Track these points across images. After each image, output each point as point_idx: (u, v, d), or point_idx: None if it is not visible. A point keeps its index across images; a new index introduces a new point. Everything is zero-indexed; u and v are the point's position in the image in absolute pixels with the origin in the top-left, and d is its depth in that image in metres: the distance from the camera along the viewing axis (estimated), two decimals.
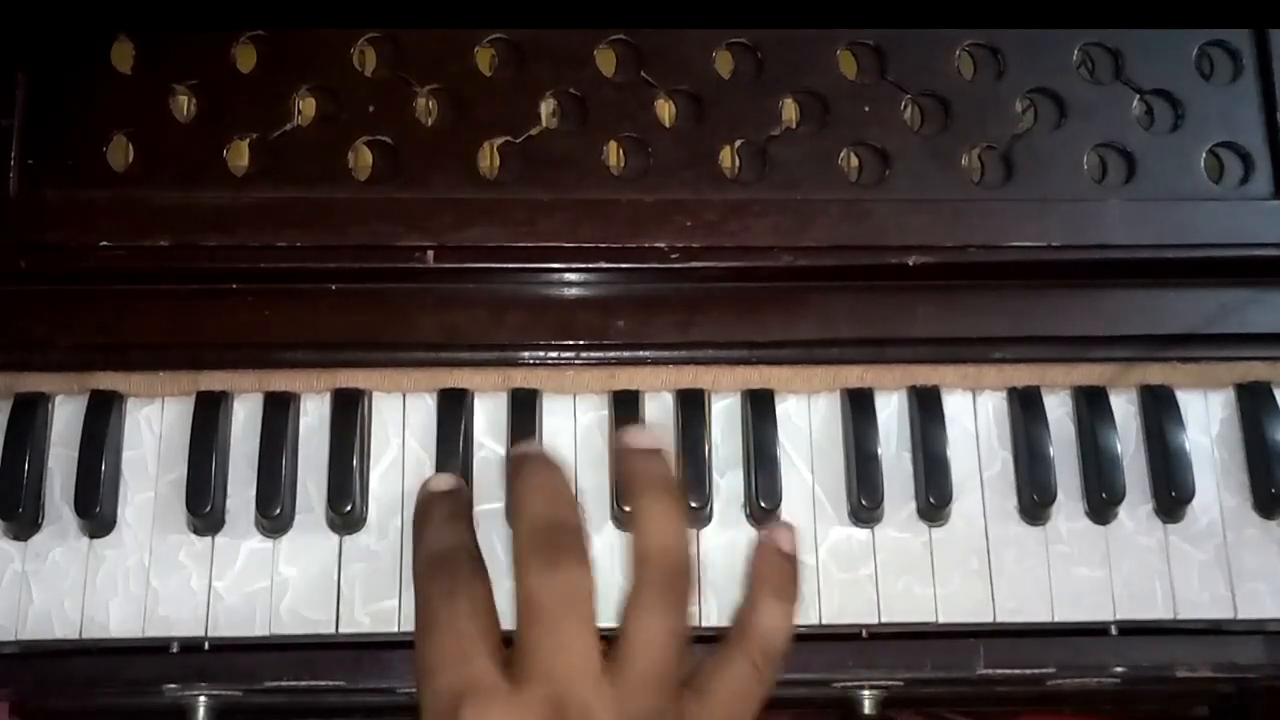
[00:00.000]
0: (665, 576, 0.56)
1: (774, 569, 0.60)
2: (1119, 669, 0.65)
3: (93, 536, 0.63)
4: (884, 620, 0.64)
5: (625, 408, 0.65)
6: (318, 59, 0.67)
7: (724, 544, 0.65)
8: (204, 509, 0.62)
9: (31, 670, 0.63)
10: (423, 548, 0.60)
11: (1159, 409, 0.66)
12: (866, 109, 0.68)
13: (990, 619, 0.64)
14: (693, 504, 0.63)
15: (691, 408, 0.65)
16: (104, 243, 0.64)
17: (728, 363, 0.66)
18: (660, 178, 0.67)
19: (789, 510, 0.65)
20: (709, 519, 0.65)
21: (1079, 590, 0.64)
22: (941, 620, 0.64)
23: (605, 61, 0.68)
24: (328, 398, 0.65)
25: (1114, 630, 0.64)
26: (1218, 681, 0.70)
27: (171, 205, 0.65)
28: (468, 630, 0.55)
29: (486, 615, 0.57)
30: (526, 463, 0.60)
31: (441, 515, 0.61)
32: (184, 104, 0.67)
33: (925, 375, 0.67)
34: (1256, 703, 0.74)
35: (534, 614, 0.54)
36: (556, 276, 0.66)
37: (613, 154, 0.68)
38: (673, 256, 0.65)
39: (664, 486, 0.59)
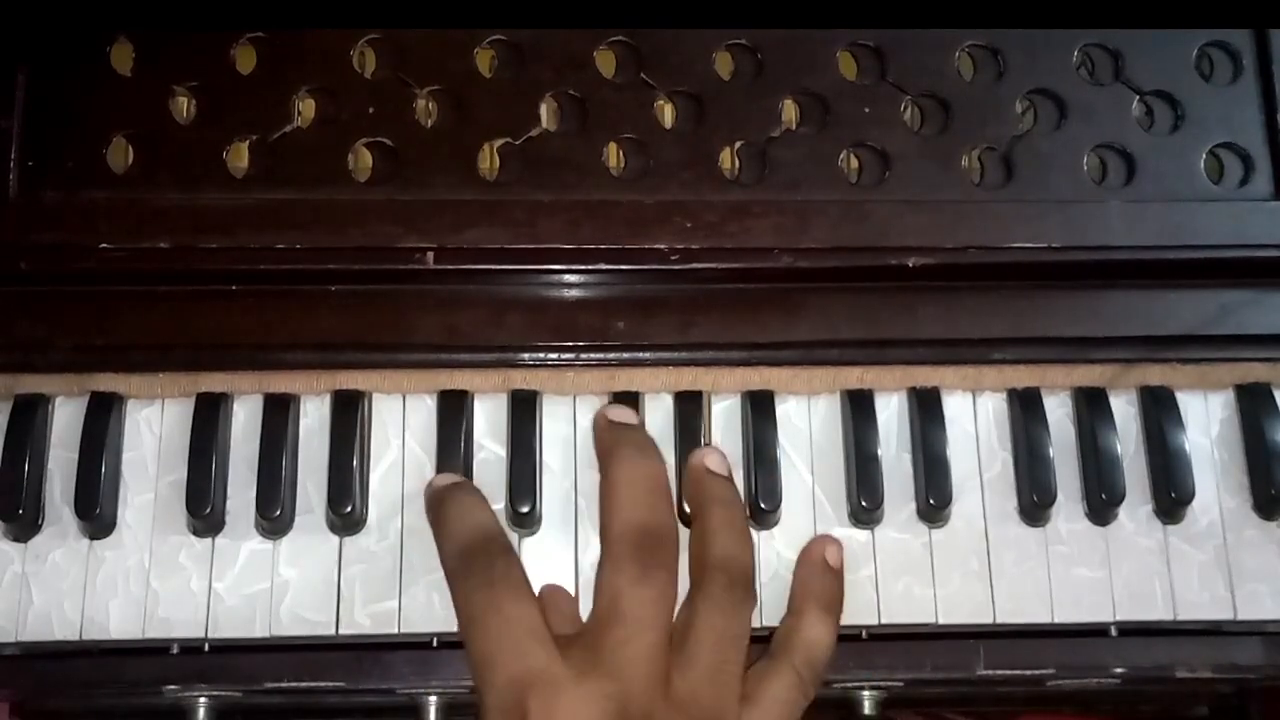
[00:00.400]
0: (734, 579, 0.58)
1: (821, 582, 0.62)
2: (1119, 670, 0.65)
3: (93, 538, 0.63)
4: (884, 621, 0.64)
5: None
6: (317, 60, 0.67)
7: None
8: (204, 510, 0.62)
9: (31, 671, 0.63)
10: (449, 540, 0.60)
11: (1159, 410, 0.66)
12: (866, 110, 0.68)
13: (990, 620, 0.64)
14: None
15: (691, 409, 0.65)
16: (104, 244, 0.64)
17: (728, 364, 0.66)
18: (660, 179, 0.67)
19: (788, 512, 0.65)
20: None
21: (1079, 591, 0.64)
22: (941, 621, 0.64)
23: (605, 63, 0.68)
24: (328, 399, 0.65)
25: (1114, 631, 0.64)
26: (1217, 682, 0.70)
27: (171, 207, 0.65)
28: (517, 619, 0.56)
29: (530, 600, 0.57)
30: (626, 445, 0.60)
31: (459, 504, 0.61)
32: (184, 105, 0.67)
33: (925, 376, 0.67)
34: (1256, 703, 0.74)
35: (617, 617, 0.56)
36: (556, 278, 0.66)
37: (613, 155, 0.68)
38: (673, 258, 0.65)
39: (735, 503, 0.62)
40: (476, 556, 0.58)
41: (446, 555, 0.60)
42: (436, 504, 0.62)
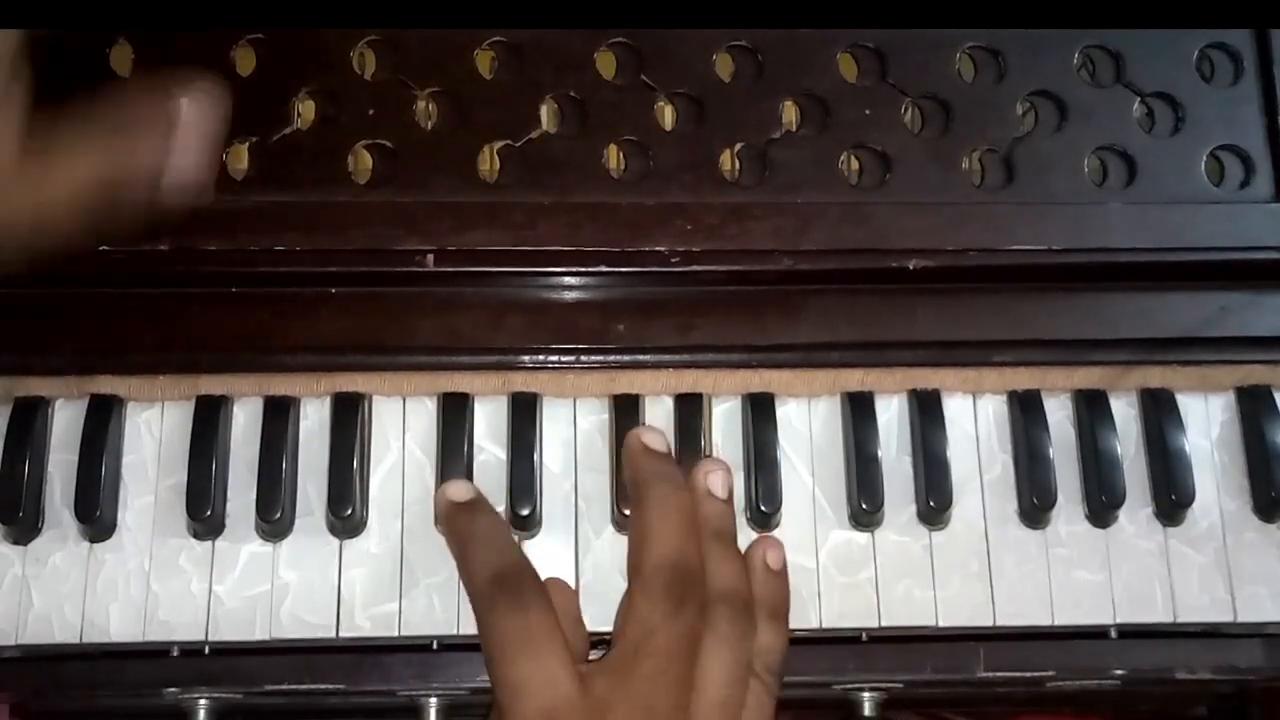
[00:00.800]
0: (738, 612, 0.59)
1: (766, 588, 0.62)
2: (1119, 672, 0.65)
3: (93, 541, 0.63)
4: (884, 624, 0.64)
5: (626, 411, 0.65)
6: (317, 62, 0.67)
7: None
8: (204, 513, 0.62)
9: (32, 674, 0.63)
10: (479, 565, 0.60)
11: (1159, 412, 0.66)
12: (867, 112, 0.68)
13: (990, 622, 0.64)
14: None
15: (692, 411, 0.65)
16: (103, 246, 0.64)
17: (728, 366, 0.66)
18: (660, 181, 0.67)
19: (789, 514, 0.65)
20: None
21: (1079, 593, 0.64)
22: (942, 624, 0.64)
23: (605, 64, 0.68)
24: (328, 401, 0.65)
25: (1114, 633, 0.64)
26: (1217, 683, 0.70)
27: (171, 208, 0.64)
28: (549, 648, 0.57)
29: (559, 628, 0.58)
30: (664, 481, 0.61)
31: (486, 528, 0.61)
32: None
33: (925, 378, 0.67)
34: (1256, 705, 0.74)
35: (650, 651, 0.57)
36: (557, 280, 0.66)
37: (613, 157, 0.68)
38: (673, 260, 0.65)
39: (732, 530, 0.63)
40: (507, 583, 0.58)
41: (476, 581, 0.60)
42: (456, 526, 0.62)
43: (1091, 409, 0.66)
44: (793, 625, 0.63)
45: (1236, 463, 0.67)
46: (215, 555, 0.63)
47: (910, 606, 0.64)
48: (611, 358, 0.66)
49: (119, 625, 0.62)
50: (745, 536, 0.64)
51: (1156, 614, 0.64)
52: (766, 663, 0.61)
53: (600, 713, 0.56)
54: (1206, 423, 0.67)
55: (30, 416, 0.64)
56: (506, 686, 0.56)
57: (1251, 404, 0.67)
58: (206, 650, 0.63)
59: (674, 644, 0.57)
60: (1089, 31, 0.70)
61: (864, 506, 0.64)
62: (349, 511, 0.63)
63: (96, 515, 0.62)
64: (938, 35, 0.69)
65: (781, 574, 0.63)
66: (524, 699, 0.56)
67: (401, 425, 0.65)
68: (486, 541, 0.60)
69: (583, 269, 0.66)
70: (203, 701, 0.65)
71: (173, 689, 0.63)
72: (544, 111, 0.67)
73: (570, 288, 0.66)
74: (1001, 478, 0.66)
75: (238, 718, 0.69)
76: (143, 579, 0.63)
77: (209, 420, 0.64)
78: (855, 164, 0.68)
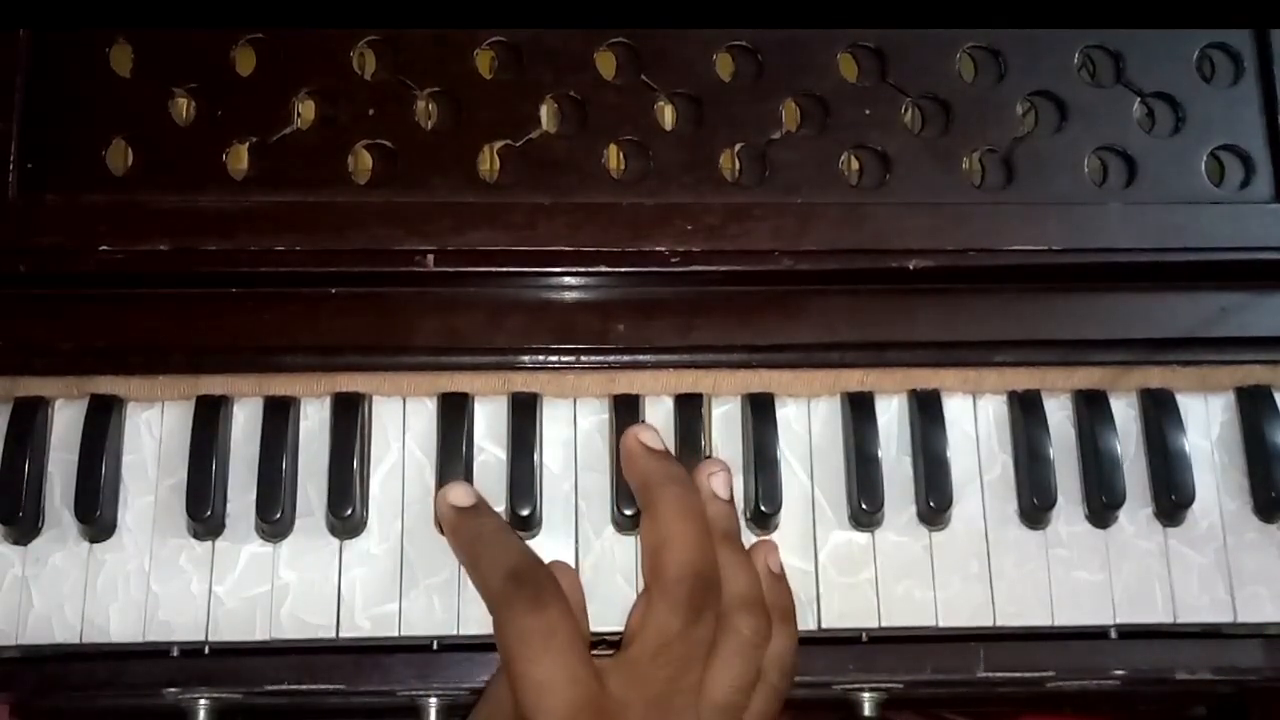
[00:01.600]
0: (759, 622, 0.60)
1: (774, 592, 0.62)
2: (1119, 672, 0.65)
3: (93, 541, 0.63)
4: (884, 624, 0.64)
5: (626, 412, 0.65)
6: (317, 62, 0.67)
7: None
8: (204, 513, 0.62)
9: (32, 674, 0.63)
10: (492, 566, 0.60)
11: (1159, 412, 0.66)
12: (867, 112, 0.68)
13: (990, 622, 0.64)
14: None
15: (692, 412, 0.65)
16: (103, 246, 0.64)
17: (728, 366, 0.66)
18: (660, 181, 0.67)
19: (789, 514, 0.65)
20: None
21: (1079, 594, 0.64)
22: (942, 624, 0.64)
23: (605, 64, 0.68)
24: (328, 402, 0.65)
25: (1114, 634, 0.64)
26: (1217, 683, 0.70)
27: (171, 209, 0.64)
28: (570, 645, 0.57)
29: (576, 623, 0.59)
30: (676, 483, 0.61)
31: (493, 530, 0.61)
32: (183, 107, 0.67)
33: (925, 379, 0.67)
34: (1257, 705, 0.74)
35: (669, 657, 0.58)
36: (557, 280, 0.66)
37: (613, 157, 0.68)
38: (673, 260, 0.65)
39: (738, 532, 0.63)
40: (524, 581, 0.58)
41: (491, 582, 0.59)
42: (462, 530, 0.62)
43: (1091, 409, 0.66)
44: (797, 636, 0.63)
45: (1236, 463, 0.67)
46: (215, 555, 0.63)
47: (910, 607, 0.64)
48: (611, 358, 0.66)
49: (119, 625, 0.62)
50: (745, 538, 0.64)
51: (1156, 614, 0.64)
52: (781, 668, 0.61)
53: (619, 710, 0.57)
54: (1206, 423, 0.67)
55: (30, 416, 0.64)
56: (531, 684, 0.56)
57: (1251, 404, 0.67)
58: (206, 650, 0.63)
59: (692, 650, 0.58)
60: (1089, 31, 0.70)
61: (864, 507, 0.64)
62: (349, 512, 0.63)
63: (96, 515, 0.62)
64: (938, 35, 0.69)
65: (781, 576, 0.63)
66: (550, 696, 0.56)
67: (401, 425, 0.65)
68: (496, 542, 0.60)
69: (583, 269, 0.66)
70: (203, 701, 0.65)
71: (173, 689, 0.63)
72: (544, 111, 0.67)
73: (570, 288, 0.66)
74: (1001, 478, 0.66)
75: (238, 718, 0.69)
76: (143, 579, 0.63)
77: (209, 420, 0.64)
78: (855, 164, 0.69)
